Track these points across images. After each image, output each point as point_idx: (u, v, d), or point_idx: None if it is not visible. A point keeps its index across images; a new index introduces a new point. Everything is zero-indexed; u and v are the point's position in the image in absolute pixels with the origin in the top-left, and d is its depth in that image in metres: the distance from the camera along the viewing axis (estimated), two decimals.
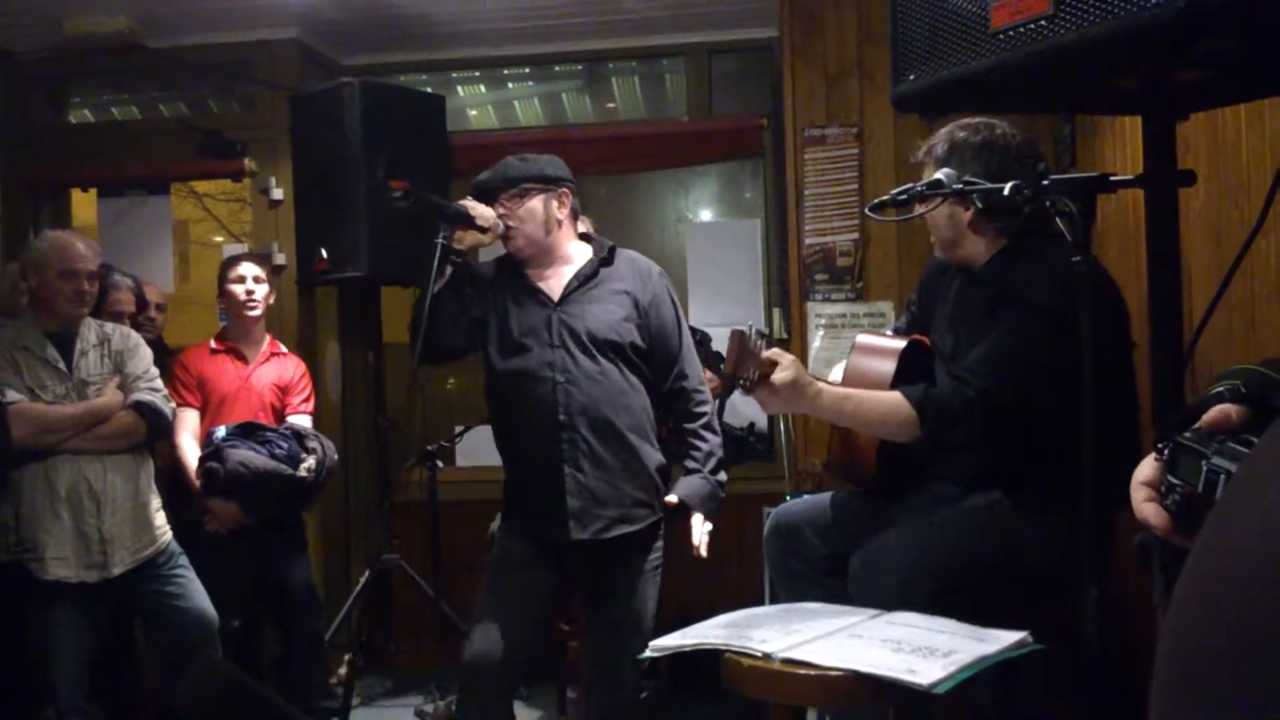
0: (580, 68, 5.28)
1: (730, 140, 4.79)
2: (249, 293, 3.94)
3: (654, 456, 2.81)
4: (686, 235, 5.06)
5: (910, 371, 2.40)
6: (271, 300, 4.06)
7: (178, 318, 5.07)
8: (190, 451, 3.81)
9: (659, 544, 2.83)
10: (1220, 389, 0.98)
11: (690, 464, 2.82)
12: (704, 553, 2.75)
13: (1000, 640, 1.83)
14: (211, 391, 3.92)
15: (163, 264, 4.81)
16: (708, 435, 2.83)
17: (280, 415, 3.99)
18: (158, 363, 3.53)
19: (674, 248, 5.11)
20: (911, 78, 1.74)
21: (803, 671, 1.78)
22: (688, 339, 2.89)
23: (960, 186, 2.03)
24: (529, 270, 2.83)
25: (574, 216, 2.89)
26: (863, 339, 2.54)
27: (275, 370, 4.03)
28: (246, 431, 3.74)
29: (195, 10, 4.39)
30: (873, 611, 2.06)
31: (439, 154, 4.60)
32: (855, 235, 4.11)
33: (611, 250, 2.88)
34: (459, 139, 4.82)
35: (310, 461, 3.75)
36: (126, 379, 3.34)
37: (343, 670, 4.40)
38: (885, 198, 2.06)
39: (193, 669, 3.08)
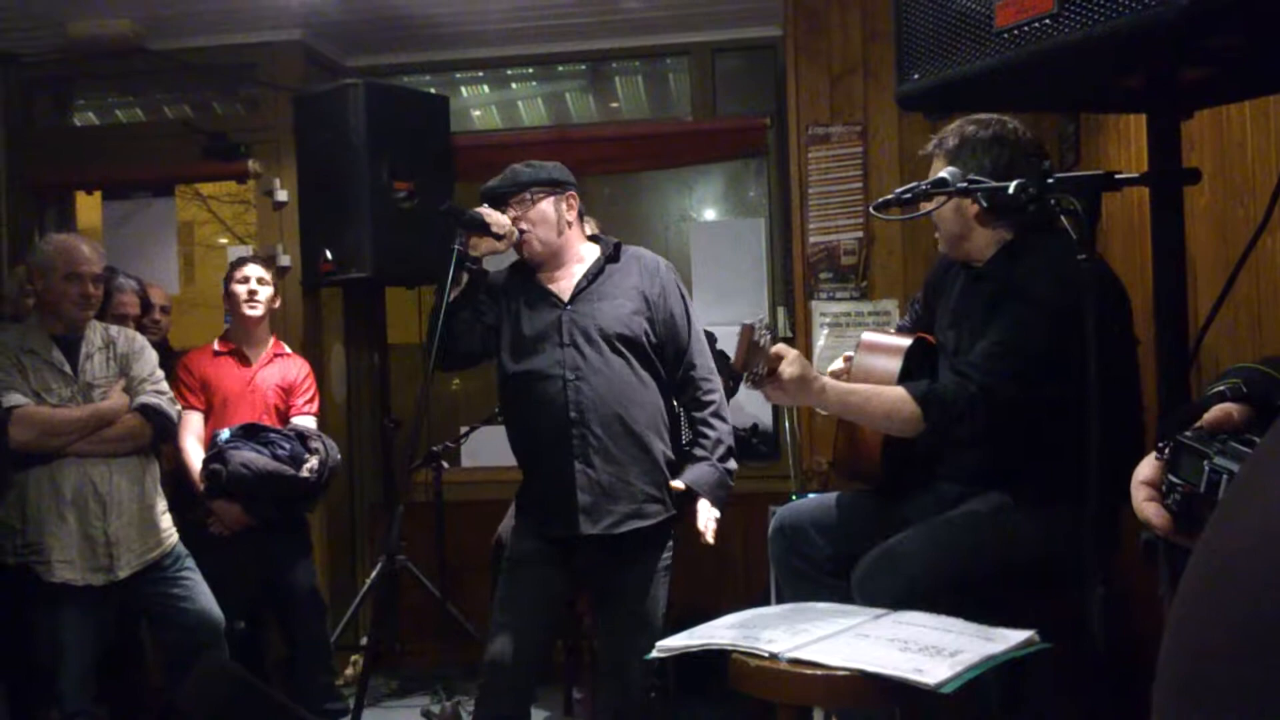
0: (584, 67, 5.28)
1: (734, 139, 4.79)
2: (251, 293, 3.95)
3: (666, 452, 2.84)
4: (691, 234, 5.06)
5: (916, 369, 2.40)
6: (276, 304, 4.07)
7: (182, 320, 5.07)
8: (194, 454, 3.82)
9: (670, 542, 2.84)
10: (1221, 388, 0.98)
11: (699, 451, 2.83)
12: (710, 539, 2.76)
13: (1007, 639, 1.82)
14: (215, 393, 3.92)
15: (167, 266, 4.82)
16: (716, 423, 2.84)
17: (284, 416, 3.99)
18: (163, 365, 3.54)
19: (678, 247, 5.10)
20: (915, 77, 1.74)
21: (809, 671, 1.78)
22: (697, 329, 2.90)
23: (965, 185, 2.03)
24: (541, 274, 2.88)
25: (581, 218, 2.93)
26: (868, 337, 2.54)
27: (279, 371, 4.04)
28: (249, 433, 3.74)
29: (199, 12, 4.40)
30: (879, 611, 2.06)
31: (443, 155, 4.61)
32: (859, 234, 4.11)
33: (617, 247, 2.91)
34: (463, 139, 4.82)
35: (313, 462, 3.75)
36: (132, 382, 3.34)
37: (349, 671, 4.41)
38: (889, 196, 2.06)
39: (199, 670, 3.08)
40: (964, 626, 1.90)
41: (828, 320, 4.12)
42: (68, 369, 3.26)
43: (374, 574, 4.22)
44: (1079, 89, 1.86)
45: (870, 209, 2.24)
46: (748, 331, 2.06)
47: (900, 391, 2.23)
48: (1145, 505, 1.00)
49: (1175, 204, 1.67)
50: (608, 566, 2.81)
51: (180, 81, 4.94)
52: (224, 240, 6.26)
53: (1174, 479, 0.96)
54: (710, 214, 5.62)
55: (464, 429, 4.47)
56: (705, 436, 2.83)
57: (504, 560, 2.95)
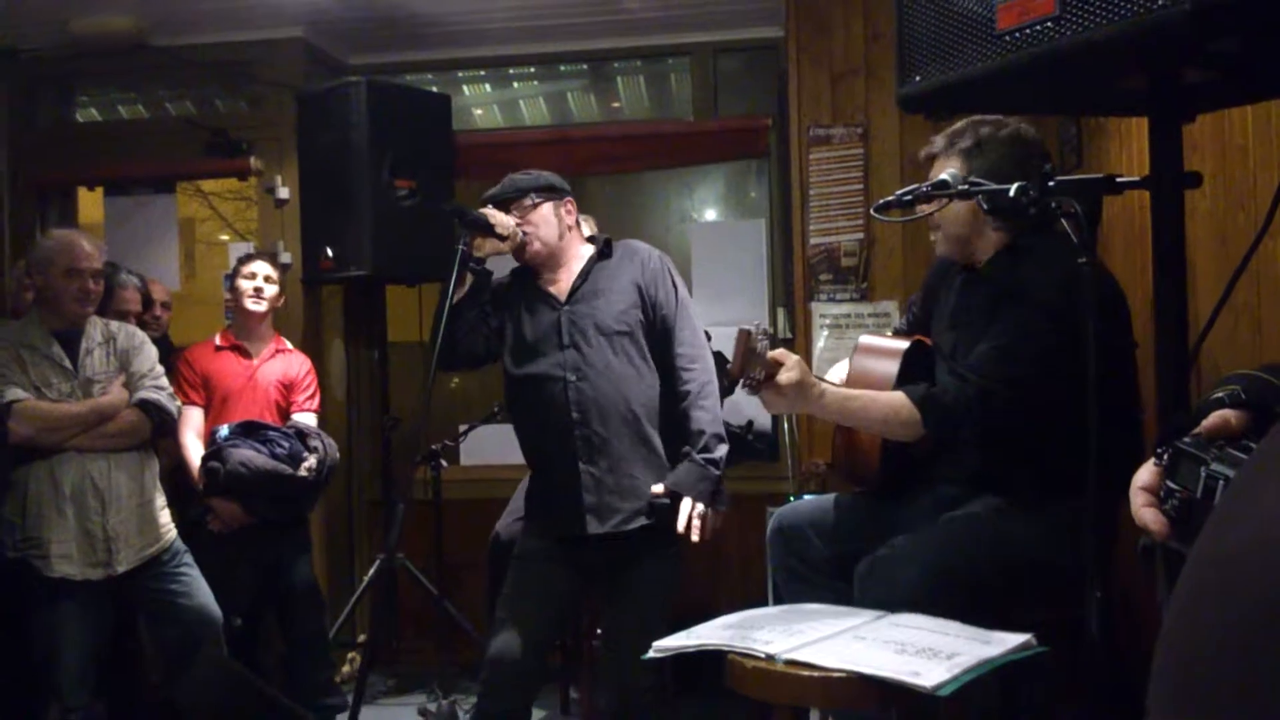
0: (585, 67, 5.28)
1: (735, 140, 4.79)
2: (256, 289, 3.95)
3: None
4: (691, 235, 5.06)
5: (913, 372, 2.40)
6: (281, 302, 4.07)
7: (183, 315, 5.07)
8: (194, 450, 3.82)
9: (671, 534, 2.83)
10: (1220, 394, 0.98)
11: (683, 448, 2.80)
12: (695, 537, 2.73)
13: (1005, 642, 1.82)
14: (216, 389, 3.92)
15: (168, 262, 4.82)
16: (695, 413, 2.78)
17: (285, 413, 3.99)
18: (163, 360, 3.54)
19: (679, 247, 5.10)
20: (917, 79, 1.74)
21: (806, 673, 1.78)
22: (687, 316, 2.87)
23: (966, 187, 2.03)
24: (540, 277, 2.90)
25: (578, 225, 2.97)
26: (865, 340, 2.54)
27: (280, 367, 4.04)
28: (248, 430, 3.74)
29: (202, 9, 4.40)
30: (877, 613, 2.05)
31: (444, 153, 4.61)
32: (860, 235, 4.11)
33: (608, 243, 2.93)
34: (464, 138, 4.82)
35: (311, 461, 3.75)
36: (132, 377, 3.34)
37: (346, 668, 4.41)
38: (890, 198, 2.06)
39: (198, 666, 3.09)
40: (961, 629, 1.90)
41: (828, 322, 4.12)
42: (67, 364, 3.26)
43: (371, 571, 4.22)
44: (1080, 92, 1.86)
45: (871, 211, 2.24)
46: (745, 337, 2.06)
47: (899, 396, 2.23)
48: (1144, 511, 1.00)
49: (1176, 208, 1.67)
50: (616, 563, 2.82)
51: (183, 78, 4.94)
52: (225, 237, 6.26)
53: (1172, 485, 0.97)
54: (711, 214, 5.62)
55: (463, 427, 4.47)
56: (687, 430, 2.79)
57: (511, 556, 2.95)
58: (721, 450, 2.80)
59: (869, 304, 4.11)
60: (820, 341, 4.12)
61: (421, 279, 4.43)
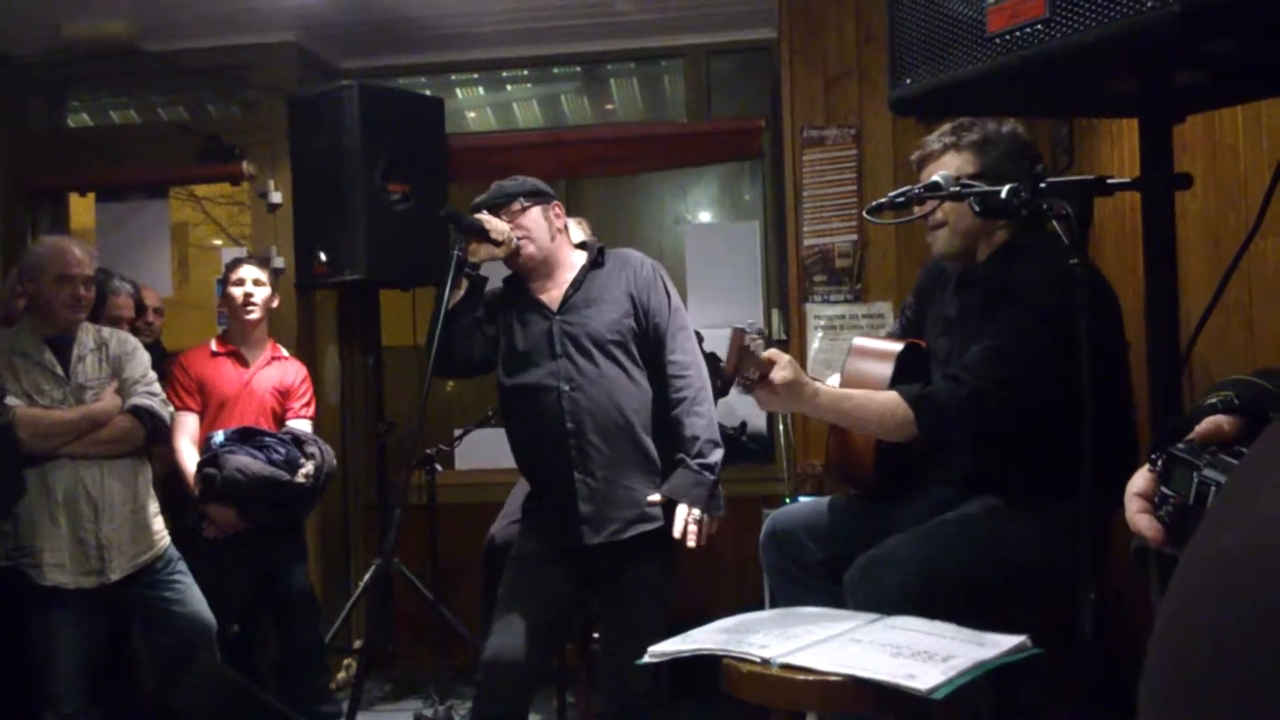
0: (579, 69, 5.28)
1: (729, 142, 4.79)
2: (247, 295, 3.94)
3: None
4: (685, 237, 5.06)
5: (908, 374, 2.40)
6: (275, 304, 4.06)
7: (176, 321, 5.07)
8: (188, 456, 3.81)
9: (672, 545, 2.84)
10: (1213, 400, 0.98)
11: (678, 455, 2.80)
12: (692, 542, 2.74)
13: (999, 645, 1.82)
14: (212, 394, 3.91)
15: (161, 268, 4.81)
16: (689, 420, 2.79)
17: (280, 419, 3.98)
18: (156, 366, 3.53)
19: (673, 249, 5.11)
20: (908, 81, 1.74)
21: (801, 677, 1.78)
22: (680, 322, 2.87)
23: (958, 189, 2.03)
24: (531, 285, 2.90)
25: (565, 228, 2.96)
26: (859, 342, 2.54)
27: (277, 374, 4.03)
28: (244, 437, 3.73)
29: (194, 14, 4.39)
30: (872, 616, 2.05)
31: (438, 157, 4.60)
32: (854, 237, 4.11)
33: (601, 251, 2.93)
34: (458, 141, 4.82)
35: (308, 467, 3.74)
36: (124, 383, 3.33)
37: (342, 674, 4.40)
38: (884, 200, 2.06)
39: (193, 674, 3.08)
40: (956, 632, 1.90)
41: (822, 323, 4.13)
42: (60, 371, 3.25)
43: (367, 577, 4.21)
44: (1071, 94, 1.86)
45: (864, 213, 2.24)
46: (739, 336, 2.06)
47: (893, 396, 2.23)
48: (1138, 517, 1.00)
49: (1167, 209, 1.67)
50: (612, 570, 2.81)
51: (175, 83, 4.93)
52: (218, 242, 6.26)
53: (1166, 490, 0.97)
54: (705, 216, 5.62)
55: (458, 432, 4.47)
56: (681, 437, 2.80)
57: (507, 559, 2.95)
58: (717, 456, 2.80)
59: (863, 305, 4.11)
60: (815, 343, 4.12)
61: (415, 283, 4.42)
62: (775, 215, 4.68)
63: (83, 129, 5.26)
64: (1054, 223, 1.73)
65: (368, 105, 4.27)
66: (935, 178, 2.06)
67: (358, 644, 4.56)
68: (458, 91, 5.46)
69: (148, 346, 3.59)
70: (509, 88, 5.52)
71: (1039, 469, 2.19)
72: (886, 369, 2.40)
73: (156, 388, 3.43)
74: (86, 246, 3.42)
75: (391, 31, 4.66)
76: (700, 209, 5.65)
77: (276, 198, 4.62)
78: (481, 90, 5.57)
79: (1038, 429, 2.18)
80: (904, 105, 1.79)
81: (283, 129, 4.57)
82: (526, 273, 2.89)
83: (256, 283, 3.96)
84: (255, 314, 3.95)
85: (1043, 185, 1.76)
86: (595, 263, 2.90)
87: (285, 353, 4.14)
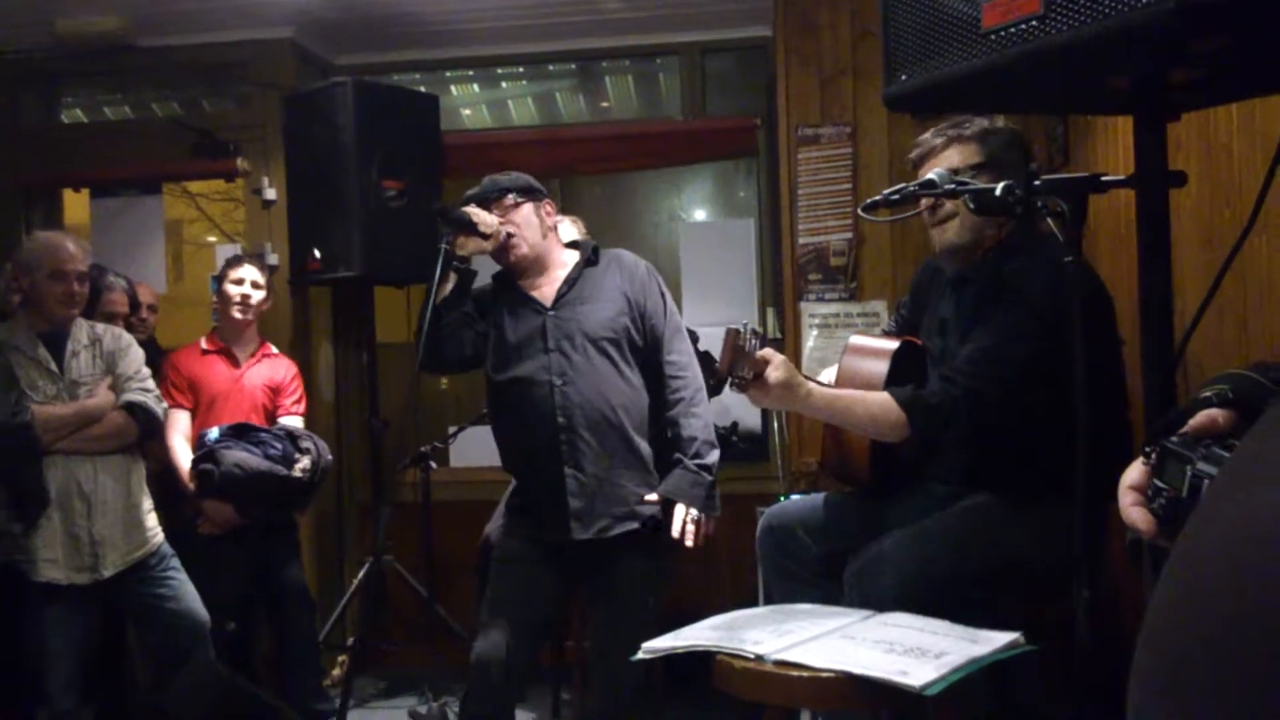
0: (574, 67, 5.28)
1: (724, 139, 4.79)
2: (244, 296, 3.94)
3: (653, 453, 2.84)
4: (680, 235, 5.05)
5: (904, 372, 2.40)
6: (267, 306, 4.06)
7: (170, 318, 5.05)
8: (182, 452, 3.80)
9: (663, 543, 2.84)
10: (1208, 393, 0.98)
11: (675, 455, 2.82)
12: (690, 542, 2.75)
13: (993, 641, 1.82)
14: (202, 392, 3.91)
15: (155, 264, 4.80)
16: (686, 420, 2.81)
17: (271, 416, 3.98)
18: (150, 363, 3.53)
19: (668, 247, 5.10)
20: (903, 78, 1.74)
21: (795, 673, 1.78)
22: (675, 324, 2.89)
23: (953, 186, 2.03)
24: (522, 281, 2.89)
25: (555, 226, 2.97)
26: (855, 340, 2.54)
27: (267, 371, 4.02)
28: (239, 432, 3.73)
29: (188, 10, 4.38)
30: (865, 612, 2.06)
31: (433, 153, 4.60)
32: (849, 235, 4.11)
33: (595, 250, 2.93)
34: (453, 138, 4.81)
35: (305, 462, 3.74)
36: (118, 379, 3.33)
37: (336, 671, 4.40)
38: (878, 198, 2.06)
39: (186, 671, 3.07)
40: (950, 628, 1.90)
41: (817, 321, 4.13)
42: (53, 366, 3.24)
43: (361, 574, 4.20)
44: (1066, 91, 1.86)
45: (859, 211, 2.24)
46: (733, 335, 2.06)
47: (885, 396, 2.23)
48: (1132, 510, 1.00)
49: (1162, 206, 1.67)
50: (600, 567, 2.81)
51: (169, 79, 4.92)
52: (212, 238, 6.23)
53: (1159, 484, 0.97)
54: (700, 214, 5.62)
55: (452, 429, 4.46)
56: (678, 437, 2.81)
57: (492, 559, 2.95)
58: (714, 456, 2.83)
59: (858, 303, 4.12)
60: (810, 341, 4.12)
61: (410, 280, 4.42)
62: (770, 213, 4.68)
63: (76, 125, 5.25)
64: (1049, 220, 1.73)
65: (362, 102, 4.26)
66: (931, 175, 2.06)
67: (352, 641, 4.55)
68: (453, 88, 5.45)
69: (142, 343, 3.58)
70: (504, 85, 5.51)
71: (1034, 466, 2.20)
72: (882, 367, 2.40)
73: (150, 384, 3.42)
74: (80, 242, 3.41)
75: (387, 28, 4.65)
76: (695, 207, 5.65)
77: (271, 194, 4.61)
78: (477, 87, 5.57)
79: (1033, 427, 2.19)
80: (898, 102, 1.79)
81: (277, 125, 4.56)
82: (517, 269, 2.89)
83: (255, 285, 3.96)
84: (248, 314, 3.95)
85: (1037, 183, 1.75)
86: (589, 261, 2.90)
87: (274, 350, 4.13)
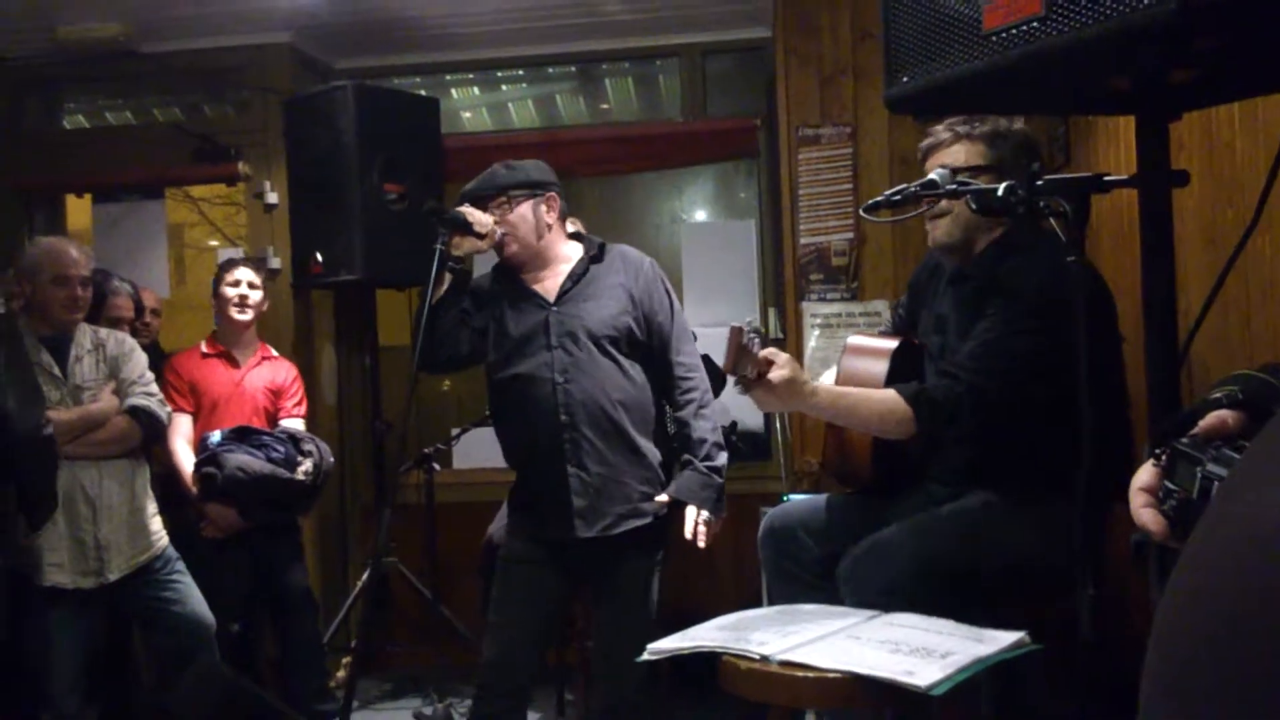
0: (574, 69, 5.28)
1: (725, 141, 4.79)
2: (241, 297, 3.94)
3: (656, 451, 2.84)
4: (681, 236, 5.06)
5: (903, 371, 2.40)
6: (265, 307, 4.06)
7: (173, 322, 5.06)
8: (184, 456, 3.81)
9: (664, 541, 2.84)
10: (1218, 394, 0.98)
11: (684, 455, 2.82)
12: (702, 543, 2.76)
13: (998, 641, 1.83)
14: (203, 395, 3.92)
15: (158, 268, 4.81)
16: (696, 422, 2.81)
17: (272, 419, 3.99)
18: (153, 367, 3.53)
19: (669, 248, 5.10)
20: (904, 79, 1.74)
21: (800, 674, 1.78)
22: (681, 325, 2.88)
23: (955, 186, 2.03)
24: (524, 275, 2.87)
25: (562, 219, 2.92)
26: (854, 340, 2.54)
27: (268, 374, 4.03)
28: (241, 436, 3.73)
29: (188, 15, 4.39)
30: (871, 613, 2.06)
31: (433, 157, 4.60)
32: (850, 235, 4.11)
33: (601, 247, 2.91)
34: (453, 141, 4.82)
35: (307, 465, 3.74)
36: (122, 384, 3.33)
37: (340, 673, 4.40)
38: (879, 198, 2.06)
39: (191, 673, 3.08)
40: (955, 628, 1.90)
41: (819, 321, 4.13)
42: (57, 371, 3.25)
43: (365, 577, 4.21)
44: (1067, 91, 1.86)
45: (860, 211, 2.24)
46: (736, 334, 2.06)
47: (891, 394, 2.23)
48: (1142, 511, 1.00)
49: (1164, 206, 1.67)
50: (603, 565, 2.81)
51: (170, 84, 4.93)
52: (214, 242, 6.23)
53: (1170, 485, 0.97)
54: (701, 215, 5.62)
55: (455, 430, 4.47)
56: (688, 439, 2.81)
57: (497, 560, 2.95)
58: (722, 458, 2.83)
59: (860, 303, 4.12)
60: (811, 341, 4.12)
61: (412, 282, 4.41)
62: (771, 214, 4.69)
63: (78, 130, 5.26)
64: (1051, 220, 1.73)
65: (363, 105, 4.27)
66: (932, 175, 2.06)
67: (355, 642, 4.55)
68: (453, 91, 5.45)
69: (145, 347, 3.59)
70: (504, 87, 5.52)
71: (1035, 464, 2.20)
72: (881, 366, 2.40)
73: (154, 388, 3.43)
74: (83, 247, 3.42)
75: (386, 32, 4.66)
76: (696, 208, 5.65)
77: (272, 198, 4.61)
78: (477, 90, 5.57)
79: (1033, 425, 2.19)
80: (899, 104, 1.79)
81: (278, 129, 4.57)
82: (516, 265, 2.87)
83: (251, 285, 3.97)
84: (248, 315, 3.96)
85: (1040, 183, 1.76)
86: (594, 258, 2.87)
87: (274, 352, 4.14)
